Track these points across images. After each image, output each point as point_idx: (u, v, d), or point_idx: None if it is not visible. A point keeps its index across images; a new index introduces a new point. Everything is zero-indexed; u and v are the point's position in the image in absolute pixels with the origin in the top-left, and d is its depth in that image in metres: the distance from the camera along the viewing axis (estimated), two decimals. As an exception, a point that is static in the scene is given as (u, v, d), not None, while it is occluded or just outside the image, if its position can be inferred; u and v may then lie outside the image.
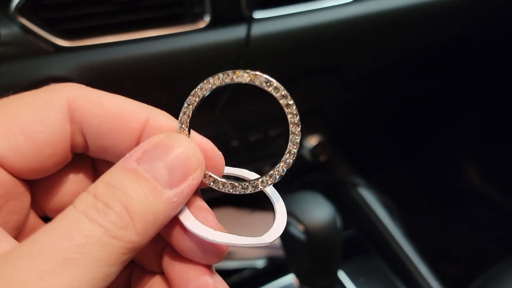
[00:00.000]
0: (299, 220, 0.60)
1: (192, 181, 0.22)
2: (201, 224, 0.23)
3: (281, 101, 0.23)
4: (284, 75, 0.74)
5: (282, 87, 0.23)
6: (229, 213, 0.81)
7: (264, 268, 0.80)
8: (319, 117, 0.84)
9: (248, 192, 0.24)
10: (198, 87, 0.24)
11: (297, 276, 0.67)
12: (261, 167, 0.80)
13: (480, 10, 0.84)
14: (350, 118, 0.98)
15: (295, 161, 0.24)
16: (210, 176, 0.24)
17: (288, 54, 0.71)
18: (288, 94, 0.23)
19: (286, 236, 0.62)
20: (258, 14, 0.66)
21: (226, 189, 0.24)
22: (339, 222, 0.62)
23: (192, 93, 0.24)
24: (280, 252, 0.77)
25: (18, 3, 0.54)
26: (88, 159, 0.26)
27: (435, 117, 1.22)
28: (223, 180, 0.24)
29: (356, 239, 0.87)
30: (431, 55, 0.91)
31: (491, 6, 0.85)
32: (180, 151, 0.21)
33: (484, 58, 1.03)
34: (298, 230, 0.60)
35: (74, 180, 0.25)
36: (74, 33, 0.59)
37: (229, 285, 0.25)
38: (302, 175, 0.91)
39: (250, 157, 0.79)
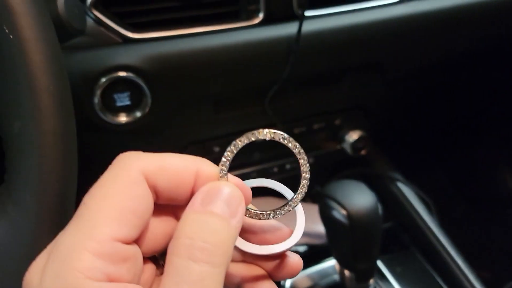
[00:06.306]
0: (342, 205, 0.63)
1: (242, 210, 0.28)
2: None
3: (293, 151, 0.29)
4: (329, 70, 0.78)
5: (292, 139, 0.29)
6: (271, 202, 0.84)
7: (306, 252, 0.83)
8: (361, 113, 0.87)
9: (287, 212, 0.30)
10: (233, 143, 0.29)
11: (338, 260, 0.70)
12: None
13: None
14: (391, 116, 1.00)
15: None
16: (251, 210, 0.30)
17: (334, 51, 0.74)
18: (297, 144, 0.29)
19: (329, 220, 0.66)
20: (308, 12, 0.69)
21: (270, 217, 0.30)
22: (381, 210, 0.64)
23: (228, 149, 0.29)
24: (323, 241, 0.79)
25: (93, -2, 0.60)
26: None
27: (475, 121, 1.22)
28: (262, 211, 0.30)
29: (394, 233, 0.88)
30: (475, 58, 0.92)
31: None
32: (228, 190, 0.27)
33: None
34: (340, 215, 0.63)
35: (161, 223, 0.30)
36: (140, 26, 0.63)
37: None
38: (342, 168, 0.94)
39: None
